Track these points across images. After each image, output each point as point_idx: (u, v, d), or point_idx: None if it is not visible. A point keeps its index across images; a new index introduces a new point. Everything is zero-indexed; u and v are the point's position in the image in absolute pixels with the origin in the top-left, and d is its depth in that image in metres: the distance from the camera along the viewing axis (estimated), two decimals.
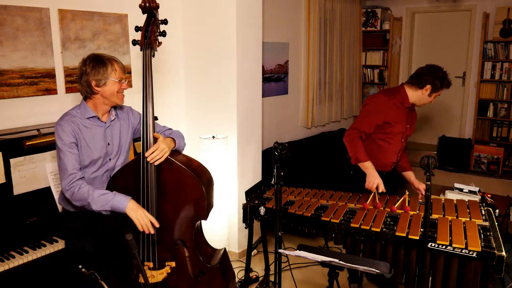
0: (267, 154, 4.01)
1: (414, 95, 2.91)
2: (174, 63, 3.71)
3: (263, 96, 4.00)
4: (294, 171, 4.37)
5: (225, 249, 2.44)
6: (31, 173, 2.56)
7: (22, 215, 2.46)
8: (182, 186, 2.15)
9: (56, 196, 2.62)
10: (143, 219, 2.05)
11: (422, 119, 6.65)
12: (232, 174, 3.60)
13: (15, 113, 2.71)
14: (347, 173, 2.98)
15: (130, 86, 3.34)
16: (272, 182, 2.21)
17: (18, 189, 2.50)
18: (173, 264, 2.20)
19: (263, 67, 4.38)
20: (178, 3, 3.64)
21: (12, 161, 2.47)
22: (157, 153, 2.09)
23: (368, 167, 2.73)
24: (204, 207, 2.17)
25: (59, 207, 2.58)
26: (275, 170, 2.18)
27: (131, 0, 3.27)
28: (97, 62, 2.14)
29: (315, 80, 5.26)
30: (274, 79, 4.78)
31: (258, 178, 3.79)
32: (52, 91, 2.86)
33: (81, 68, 2.15)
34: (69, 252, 2.35)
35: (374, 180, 2.69)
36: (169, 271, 2.19)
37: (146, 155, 2.09)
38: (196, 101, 3.75)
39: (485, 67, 5.68)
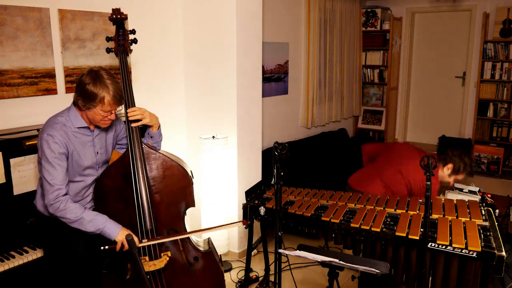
0: (267, 154, 4.01)
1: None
2: (175, 63, 3.71)
3: (263, 96, 4.00)
4: (294, 171, 4.37)
5: (209, 238, 2.56)
6: (31, 173, 2.55)
7: (22, 215, 2.45)
8: (170, 175, 2.29)
9: None
10: (126, 242, 2.04)
11: (422, 119, 6.66)
12: (232, 174, 3.60)
13: (15, 113, 2.71)
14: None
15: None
16: (272, 182, 2.22)
17: (18, 189, 2.50)
18: (168, 253, 2.27)
19: (263, 67, 4.38)
20: (178, 4, 3.64)
21: (12, 161, 2.47)
22: (138, 112, 2.22)
23: None
24: (192, 193, 2.35)
25: None
26: (275, 170, 2.18)
27: (131, 0, 3.28)
28: (91, 85, 2.02)
29: (315, 80, 5.26)
30: (274, 79, 4.78)
31: (258, 178, 3.78)
32: (52, 91, 2.86)
33: (81, 77, 2.07)
34: (59, 255, 2.24)
35: None
36: (167, 258, 2.26)
37: (128, 111, 2.21)
38: (196, 101, 3.75)
39: (485, 67, 5.68)
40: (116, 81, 2.09)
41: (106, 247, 2.09)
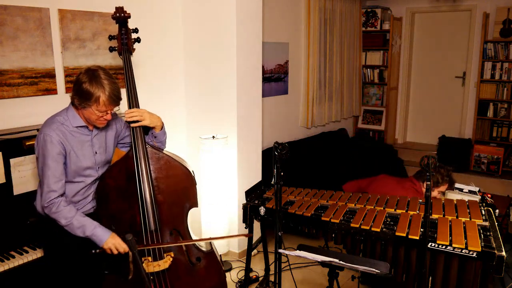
0: (267, 154, 4.01)
1: None
2: (174, 63, 3.71)
3: (263, 96, 4.00)
4: (294, 171, 4.37)
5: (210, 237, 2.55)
6: (31, 173, 2.55)
7: (22, 215, 2.45)
8: (174, 176, 2.28)
9: None
10: (114, 248, 2.11)
11: (422, 119, 6.66)
12: (232, 174, 3.60)
13: (15, 113, 2.71)
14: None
15: None
16: (272, 182, 2.22)
17: (18, 189, 2.50)
18: (171, 254, 2.27)
19: (263, 67, 4.38)
20: (178, 3, 3.64)
21: (12, 161, 2.47)
22: (135, 114, 2.19)
23: None
24: (195, 193, 2.34)
25: None
26: (275, 170, 2.18)
27: (131, 0, 3.28)
28: (87, 84, 2.00)
29: (315, 80, 5.26)
30: (274, 79, 4.78)
31: (258, 178, 3.79)
32: (52, 91, 2.86)
33: (78, 75, 2.06)
34: (59, 255, 2.24)
35: None
36: (171, 259, 2.26)
37: (125, 112, 2.19)
38: (196, 101, 3.76)
39: (485, 67, 5.67)
40: (114, 81, 2.07)
41: (97, 250, 2.11)
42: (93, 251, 2.10)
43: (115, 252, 2.12)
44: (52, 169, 2.03)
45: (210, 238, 2.42)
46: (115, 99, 2.06)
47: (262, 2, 3.62)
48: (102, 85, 2.00)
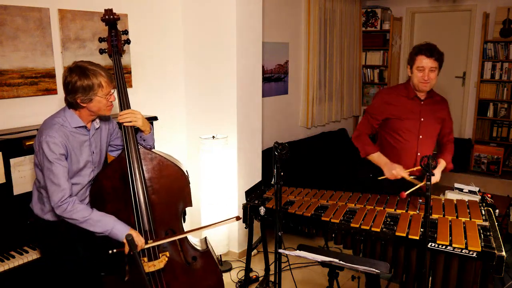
0: (267, 154, 4.01)
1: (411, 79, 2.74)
2: (174, 63, 3.71)
3: (263, 96, 4.00)
4: (294, 171, 4.37)
5: (206, 237, 2.56)
6: (31, 173, 2.55)
7: (22, 215, 2.45)
8: (167, 176, 2.29)
9: None
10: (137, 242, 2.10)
11: None
12: (232, 174, 3.60)
13: (15, 113, 2.71)
14: (368, 177, 2.84)
15: (130, 86, 3.34)
16: (272, 182, 2.22)
17: (18, 189, 2.50)
18: (167, 253, 2.27)
19: (263, 67, 4.38)
20: (178, 3, 3.64)
21: (12, 161, 2.47)
22: (129, 115, 2.21)
23: (378, 159, 2.66)
24: (189, 193, 2.35)
25: None
26: (275, 170, 2.18)
27: (131, 0, 3.28)
28: (82, 78, 2.02)
29: (315, 80, 5.26)
30: (274, 79, 4.78)
31: (258, 178, 3.78)
32: (52, 91, 2.86)
33: (65, 79, 2.06)
34: (57, 258, 2.24)
35: (391, 171, 2.58)
36: (166, 259, 2.26)
37: (119, 113, 2.21)
38: (196, 101, 3.76)
39: (485, 67, 5.68)
40: (96, 63, 2.12)
41: (114, 250, 2.09)
42: (111, 252, 2.08)
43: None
44: (60, 168, 2.03)
45: (206, 226, 2.41)
46: (111, 76, 2.13)
47: (262, 2, 3.62)
48: (94, 71, 2.05)
